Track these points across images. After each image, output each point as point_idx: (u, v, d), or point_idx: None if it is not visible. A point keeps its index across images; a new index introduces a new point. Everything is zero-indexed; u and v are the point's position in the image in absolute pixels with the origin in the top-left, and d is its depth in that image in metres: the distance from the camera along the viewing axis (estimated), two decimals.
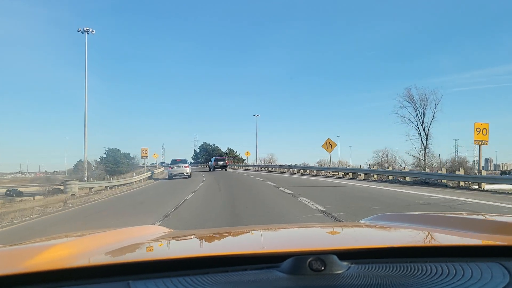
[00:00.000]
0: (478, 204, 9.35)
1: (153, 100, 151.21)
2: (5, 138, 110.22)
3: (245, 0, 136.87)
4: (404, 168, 23.60)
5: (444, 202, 9.93)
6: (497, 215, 1.73)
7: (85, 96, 30.12)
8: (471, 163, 38.16)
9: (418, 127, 39.35)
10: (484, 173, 16.95)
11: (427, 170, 22.67)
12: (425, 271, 0.86)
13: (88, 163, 62.91)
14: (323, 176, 27.28)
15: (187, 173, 29.90)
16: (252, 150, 54.22)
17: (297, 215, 8.25)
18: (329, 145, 27.18)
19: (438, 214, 1.77)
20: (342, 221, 6.98)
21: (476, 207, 8.91)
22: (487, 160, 73.82)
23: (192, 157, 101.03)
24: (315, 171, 30.77)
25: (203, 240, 1.47)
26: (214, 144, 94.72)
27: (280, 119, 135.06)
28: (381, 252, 0.96)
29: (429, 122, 38.36)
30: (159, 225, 6.32)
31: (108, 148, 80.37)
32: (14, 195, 29.76)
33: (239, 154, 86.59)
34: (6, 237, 7.78)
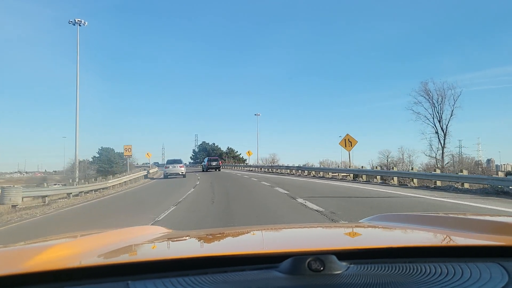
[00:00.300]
0: None
1: (153, 100, 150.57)
2: (5, 138, 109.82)
3: (246, 0, 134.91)
4: (414, 168, 18.97)
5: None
6: (495, 215, 1.94)
7: (77, 92, 27.66)
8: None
9: (434, 125, 35.81)
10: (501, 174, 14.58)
11: (437, 171, 19.31)
12: (424, 271, 0.86)
13: (82, 162, 59.38)
14: (331, 178, 23.20)
15: (182, 172, 30.65)
16: (253, 150, 51.04)
17: None
18: (348, 143, 22.80)
19: (436, 214, 1.74)
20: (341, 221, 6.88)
21: None
22: (489, 161, 70.01)
23: (191, 157, 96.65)
24: (321, 173, 26.55)
25: (202, 240, 1.47)
26: (214, 144, 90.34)
27: (281, 119, 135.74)
28: (380, 252, 0.97)
29: (447, 119, 34.92)
30: None
31: (102, 147, 76.28)
32: None
33: (240, 154, 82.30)
34: None
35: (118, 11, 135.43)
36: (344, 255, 0.90)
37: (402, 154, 44.91)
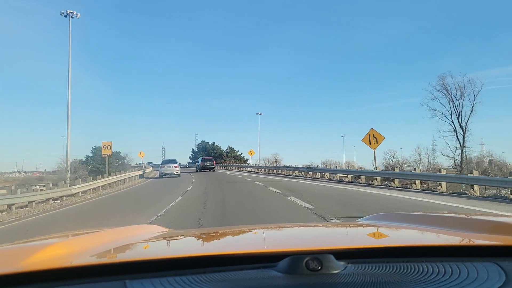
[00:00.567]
0: None
1: (153, 100, 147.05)
2: (5, 137, 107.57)
3: (248, 0, 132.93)
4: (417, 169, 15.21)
5: None
6: (493, 215, 1.94)
7: (68, 87, 25.61)
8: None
9: (452, 122, 32.29)
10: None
11: (443, 171, 16.29)
12: (421, 270, 0.86)
13: (73, 162, 55.96)
14: (340, 181, 19.35)
15: (176, 172, 31.47)
16: (255, 150, 46.90)
17: None
18: (373, 139, 18.77)
19: (434, 214, 1.78)
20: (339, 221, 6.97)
21: None
22: (490, 162, 65.22)
23: (190, 157, 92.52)
24: (327, 175, 22.61)
25: (200, 239, 1.48)
26: (214, 143, 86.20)
27: (282, 119, 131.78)
28: (378, 251, 0.97)
29: (467, 116, 31.49)
30: None
31: (95, 146, 72.14)
32: None
33: (241, 154, 78.30)
34: None
35: (119, 11, 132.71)
36: (342, 254, 0.90)
37: (419, 154, 41.07)
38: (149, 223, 7.82)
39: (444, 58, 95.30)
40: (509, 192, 11.39)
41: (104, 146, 28.10)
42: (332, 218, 7.61)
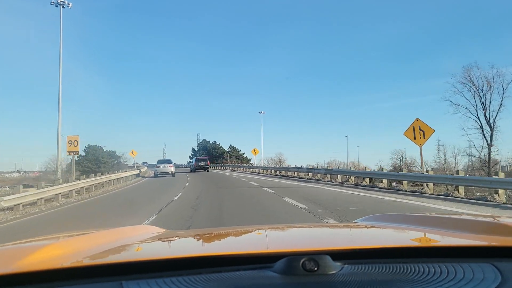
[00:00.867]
0: None
1: (154, 100, 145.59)
2: (6, 137, 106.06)
3: (248, 0, 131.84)
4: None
5: None
6: (489, 216, 1.96)
7: (59, 79, 24.29)
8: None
9: (478, 118, 28.39)
10: None
11: (476, 174, 15.98)
12: (417, 271, 0.86)
13: (64, 162, 52.74)
14: (372, 187, 15.16)
15: (171, 172, 32.19)
16: (258, 150, 42.08)
17: None
18: (418, 132, 14.36)
19: (431, 215, 1.73)
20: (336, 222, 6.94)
21: None
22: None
23: (190, 156, 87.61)
24: (352, 178, 18.50)
25: (197, 240, 1.47)
26: (215, 142, 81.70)
27: (284, 119, 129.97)
28: (374, 252, 0.96)
29: (495, 112, 28.16)
30: None
31: (89, 145, 67.79)
32: None
33: (244, 153, 73.97)
34: None
35: (119, 11, 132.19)
36: (338, 255, 0.90)
37: (444, 153, 36.78)
38: None
39: (445, 58, 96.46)
40: None
41: (70, 142, 22.43)
42: None
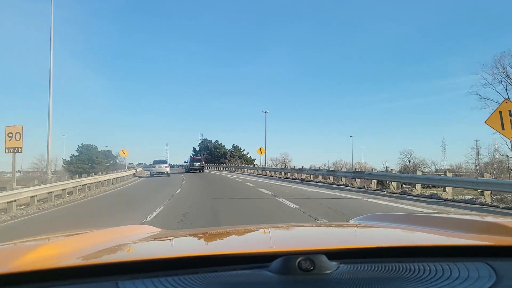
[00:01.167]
0: None
1: (157, 100, 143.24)
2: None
3: (249, 0, 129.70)
4: None
5: None
6: (484, 216, 1.95)
7: (50, 71, 22.00)
8: None
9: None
10: None
11: (487, 176, 12.15)
12: (413, 270, 0.86)
13: (53, 162, 49.25)
14: (413, 197, 10.84)
15: (166, 172, 32.60)
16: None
17: None
18: (508, 119, 9.78)
19: (427, 214, 1.73)
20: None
21: None
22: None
23: (191, 156, 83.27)
24: (393, 184, 15.04)
25: (193, 239, 1.47)
26: (217, 141, 76.97)
27: (286, 120, 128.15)
28: (370, 251, 0.97)
29: None
30: None
31: (82, 144, 63.41)
32: None
33: (247, 153, 69.43)
34: None
35: (123, 12, 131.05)
36: (334, 254, 0.90)
37: (477, 150, 32.40)
38: None
39: (449, 59, 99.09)
40: None
41: (10, 135, 16.94)
42: None
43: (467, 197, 12.19)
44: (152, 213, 9.42)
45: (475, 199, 11.10)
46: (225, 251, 0.99)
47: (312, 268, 0.82)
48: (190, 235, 1.56)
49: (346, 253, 0.94)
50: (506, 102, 10.01)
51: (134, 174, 34.41)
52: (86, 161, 60.29)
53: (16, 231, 8.61)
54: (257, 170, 36.08)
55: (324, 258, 0.85)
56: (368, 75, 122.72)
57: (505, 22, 77.35)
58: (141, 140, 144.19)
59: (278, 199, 11.83)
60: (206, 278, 0.81)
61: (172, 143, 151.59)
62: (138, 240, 1.34)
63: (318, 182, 20.65)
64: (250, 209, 10.06)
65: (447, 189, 12.47)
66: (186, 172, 39.24)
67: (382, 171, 21.47)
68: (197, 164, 39.55)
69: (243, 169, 41.55)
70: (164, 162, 35.10)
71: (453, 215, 1.60)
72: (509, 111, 9.81)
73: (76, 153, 61.86)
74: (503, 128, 9.91)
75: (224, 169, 49.28)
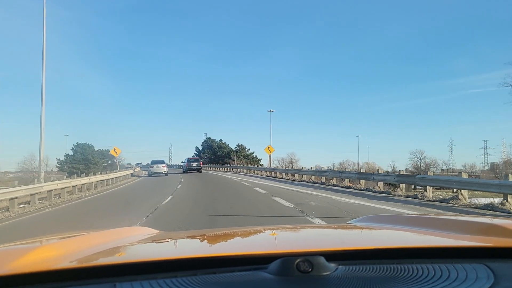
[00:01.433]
0: None
1: (161, 100, 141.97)
2: (10, 136, 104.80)
3: (255, 2, 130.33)
4: None
5: None
6: (482, 217, 1.91)
7: (43, 63, 21.25)
8: None
9: None
10: None
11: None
12: (411, 272, 0.86)
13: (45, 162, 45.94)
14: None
15: (164, 172, 33.79)
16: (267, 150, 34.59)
17: None
18: None
19: (425, 216, 1.72)
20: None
21: None
22: (493, 164, 62.37)
23: (193, 156, 79.36)
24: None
25: (191, 241, 1.46)
26: (221, 140, 72.98)
27: (293, 120, 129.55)
28: (368, 253, 0.96)
29: None
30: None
31: (77, 142, 59.57)
32: None
33: (253, 153, 65.50)
34: None
35: (129, 12, 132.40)
36: (333, 256, 0.89)
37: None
38: None
39: (455, 61, 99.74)
40: None
41: None
42: None
43: (483, 200, 11.31)
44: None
45: (497, 204, 9.71)
46: (224, 252, 1.01)
47: (310, 269, 0.81)
48: (188, 237, 1.56)
49: (345, 254, 0.93)
50: None
51: (132, 173, 35.40)
52: (82, 161, 56.50)
53: None
54: (266, 172, 32.08)
55: (322, 259, 0.84)
56: (372, 75, 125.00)
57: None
58: (145, 140, 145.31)
59: (309, 218, 7.89)
60: (204, 279, 0.81)
61: (176, 143, 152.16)
62: (136, 242, 1.33)
63: (345, 187, 16.67)
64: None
65: (463, 192, 11.01)
66: (184, 172, 38.69)
67: (444, 176, 17.51)
68: (194, 164, 39.05)
69: (249, 170, 37.57)
70: (162, 162, 36.09)
71: (451, 217, 1.71)
72: None
73: (71, 153, 58.24)
74: None
75: (228, 170, 45.37)
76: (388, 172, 22.08)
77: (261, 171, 33.46)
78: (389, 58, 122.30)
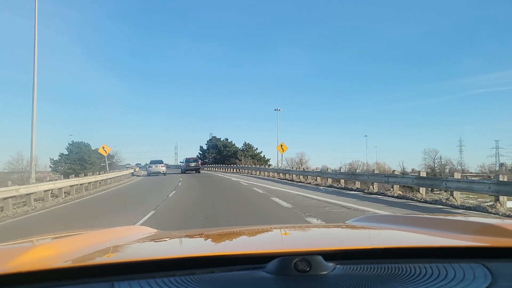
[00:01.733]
0: None
1: (167, 99, 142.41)
2: (14, 136, 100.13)
3: (262, 2, 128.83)
4: None
5: None
6: (480, 217, 2.09)
7: (35, 55, 19.55)
8: None
9: None
10: None
11: None
12: (409, 271, 0.86)
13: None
14: None
15: (163, 171, 34.66)
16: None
17: None
18: None
19: (423, 215, 1.69)
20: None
21: None
22: (501, 165, 60.17)
23: (197, 156, 74.60)
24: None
25: (189, 240, 1.45)
26: (227, 139, 68.51)
27: (300, 120, 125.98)
28: (366, 253, 0.96)
29: None
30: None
31: (73, 141, 55.22)
32: None
33: (261, 152, 61.03)
34: None
35: (135, 12, 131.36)
36: (331, 255, 0.89)
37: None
38: None
39: (461, 62, 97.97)
40: None
41: None
42: None
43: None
44: None
45: None
46: (222, 252, 1.01)
47: (308, 269, 0.81)
48: (186, 236, 1.54)
49: (343, 254, 0.93)
50: None
51: (133, 173, 36.69)
52: (77, 160, 52.04)
53: None
54: (279, 173, 27.58)
55: (320, 259, 0.84)
56: (380, 76, 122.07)
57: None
58: (150, 140, 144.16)
59: None
60: (202, 279, 0.81)
61: (182, 143, 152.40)
62: (134, 241, 1.33)
63: (397, 196, 12.11)
64: None
65: (501, 199, 9.41)
66: (182, 172, 37.69)
67: (479, 179, 13.45)
68: (192, 164, 38.03)
69: (258, 172, 33.09)
70: (160, 162, 36.78)
71: (449, 216, 1.68)
72: None
73: (66, 152, 54.14)
74: None
75: (234, 171, 41.00)
76: (405, 174, 18.97)
77: (273, 173, 28.97)
78: (391, 59, 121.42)
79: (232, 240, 1.45)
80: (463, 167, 66.53)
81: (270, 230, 1.70)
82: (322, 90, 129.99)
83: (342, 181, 17.11)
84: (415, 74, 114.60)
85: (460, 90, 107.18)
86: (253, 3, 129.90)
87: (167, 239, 1.43)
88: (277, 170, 28.55)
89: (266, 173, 30.77)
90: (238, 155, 58.31)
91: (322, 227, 2.15)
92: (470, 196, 18.56)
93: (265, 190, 15.16)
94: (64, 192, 16.23)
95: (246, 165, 41.59)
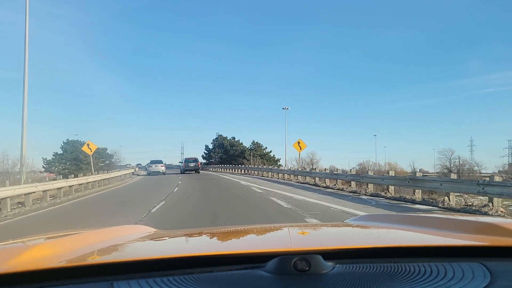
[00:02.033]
0: None
1: (173, 99, 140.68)
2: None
3: (268, 3, 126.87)
4: None
5: None
6: (479, 216, 1.83)
7: (25, 47, 17.57)
8: None
9: None
10: None
11: None
12: (408, 271, 0.86)
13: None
14: None
15: (162, 171, 35.61)
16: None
17: None
18: None
19: (422, 215, 1.68)
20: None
21: None
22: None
23: (203, 155, 70.36)
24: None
25: (188, 240, 1.43)
26: (234, 138, 63.95)
27: (307, 120, 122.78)
28: (365, 252, 0.96)
29: None
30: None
31: (67, 139, 51.10)
32: None
33: (270, 152, 56.59)
34: None
35: (140, 13, 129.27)
36: (330, 255, 0.89)
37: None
38: None
39: (465, 61, 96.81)
40: None
41: None
42: None
43: None
44: None
45: None
46: (221, 251, 1.01)
47: (307, 268, 0.81)
48: (185, 235, 1.51)
49: (342, 253, 0.93)
50: None
51: (133, 173, 37.53)
52: (72, 160, 47.89)
53: None
54: (296, 176, 23.17)
55: (319, 258, 0.84)
56: (387, 76, 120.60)
57: None
58: (154, 139, 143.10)
59: None
60: (201, 278, 0.81)
61: (188, 143, 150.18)
62: (133, 240, 1.32)
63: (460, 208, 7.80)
64: None
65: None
66: (181, 173, 36.79)
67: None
68: (192, 164, 37.34)
69: (270, 173, 28.68)
70: (160, 162, 37.55)
71: (448, 216, 1.69)
72: None
73: (60, 151, 50.07)
74: None
75: (242, 172, 36.65)
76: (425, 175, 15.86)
77: (288, 175, 24.55)
78: (398, 60, 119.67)
79: (231, 239, 1.44)
80: (479, 167, 61.98)
81: (269, 230, 1.70)
82: (328, 90, 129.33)
83: (392, 188, 12.61)
84: (422, 74, 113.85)
85: (466, 89, 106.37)
86: (254, 3, 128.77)
87: (166, 238, 1.43)
88: (295, 172, 23.96)
89: (279, 175, 26.39)
90: (246, 155, 53.95)
91: (321, 226, 2.12)
92: (505, 203, 14.61)
93: (289, 203, 10.76)
94: (50, 196, 14.55)
95: (256, 166, 37.19)
